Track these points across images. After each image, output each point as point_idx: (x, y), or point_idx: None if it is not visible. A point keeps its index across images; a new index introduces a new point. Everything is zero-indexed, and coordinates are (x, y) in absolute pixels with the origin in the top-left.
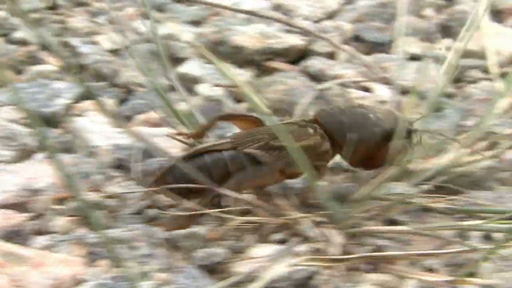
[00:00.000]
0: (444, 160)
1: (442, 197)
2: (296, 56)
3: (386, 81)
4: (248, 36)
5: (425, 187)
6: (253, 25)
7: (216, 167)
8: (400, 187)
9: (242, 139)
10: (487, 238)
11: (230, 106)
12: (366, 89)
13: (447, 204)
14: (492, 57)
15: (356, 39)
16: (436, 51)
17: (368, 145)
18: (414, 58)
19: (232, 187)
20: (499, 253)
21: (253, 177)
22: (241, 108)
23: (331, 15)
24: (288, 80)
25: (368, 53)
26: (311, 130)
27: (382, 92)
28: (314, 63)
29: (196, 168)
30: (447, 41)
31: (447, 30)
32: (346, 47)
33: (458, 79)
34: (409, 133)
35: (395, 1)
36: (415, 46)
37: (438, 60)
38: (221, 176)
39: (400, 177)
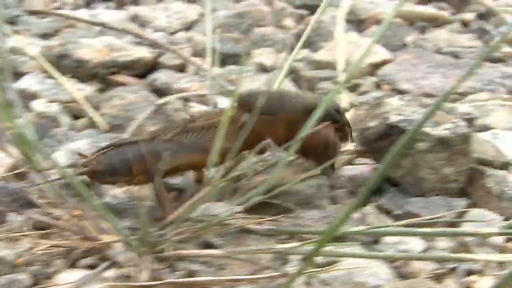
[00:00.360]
0: (272, 177)
1: (264, 218)
2: (144, 69)
3: (231, 94)
4: (93, 49)
5: (248, 206)
6: (101, 38)
7: (135, 158)
8: (220, 207)
9: (159, 131)
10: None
11: (66, 123)
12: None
13: (269, 225)
14: (342, 68)
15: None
16: (291, 63)
17: (293, 120)
18: (267, 69)
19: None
20: (319, 276)
21: (182, 158)
22: (80, 123)
23: (189, 26)
24: (128, 95)
25: (220, 65)
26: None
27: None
28: (161, 77)
29: (117, 159)
30: (303, 52)
31: (305, 41)
32: (194, 59)
33: (310, 91)
34: (338, 111)
35: (253, 11)
36: (271, 57)
37: (293, 71)
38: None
39: (221, 196)
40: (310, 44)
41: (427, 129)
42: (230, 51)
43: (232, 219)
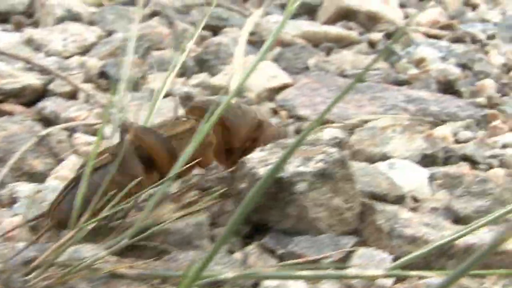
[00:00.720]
0: (147, 215)
1: (137, 260)
2: (33, 97)
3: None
4: None
5: (117, 249)
6: None
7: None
8: (91, 250)
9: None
10: None
11: None
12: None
13: (142, 268)
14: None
15: (102, 75)
16: (187, 88)
17: (250, 130)
18: (164, 95)
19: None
20: None
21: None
22: None
23: (88, 49)
24: (11, 125)
25: (114, 91)
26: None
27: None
28: (49, 105)
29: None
30: (201, 76)
31: (203, 64)
32: (86, 86)
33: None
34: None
35: (152, 34)
36: (168, 82)
37: (188, 97)
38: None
39: (92, 237)
40: (209, 68)
41: (300, 169)
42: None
43: (102, 263)
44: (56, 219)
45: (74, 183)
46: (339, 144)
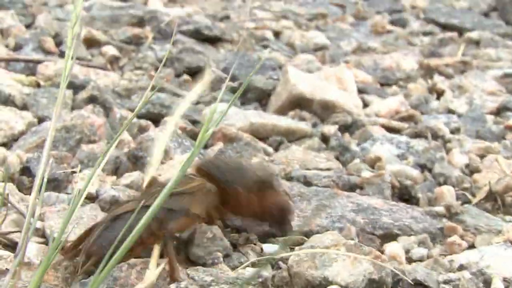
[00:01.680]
0: None
1: None
2: None
3: (41, 234)
4: None
5: None
6: None
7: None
8: None
9: (147, 195)
10: None
11: None
12: (13, 245)
13: None
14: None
15: (25, 172)
16: (115, 190)
17: (249, 190)
18: (92, 197)
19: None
20: None
21: (176, 224)
22: None
23: (14, 139)
24: None
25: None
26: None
27: (31, 250)
28: None
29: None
30: (134, 175)
31: (137, 161)
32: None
33: None
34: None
35: (83, 124)
36: (94, 182)
37: (117, 202)
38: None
39: None
40: (142, 166)
41: None
42: (51, 174)
43: None
44: (94, 254)
45: (105, 224)
46: (264, 284)
